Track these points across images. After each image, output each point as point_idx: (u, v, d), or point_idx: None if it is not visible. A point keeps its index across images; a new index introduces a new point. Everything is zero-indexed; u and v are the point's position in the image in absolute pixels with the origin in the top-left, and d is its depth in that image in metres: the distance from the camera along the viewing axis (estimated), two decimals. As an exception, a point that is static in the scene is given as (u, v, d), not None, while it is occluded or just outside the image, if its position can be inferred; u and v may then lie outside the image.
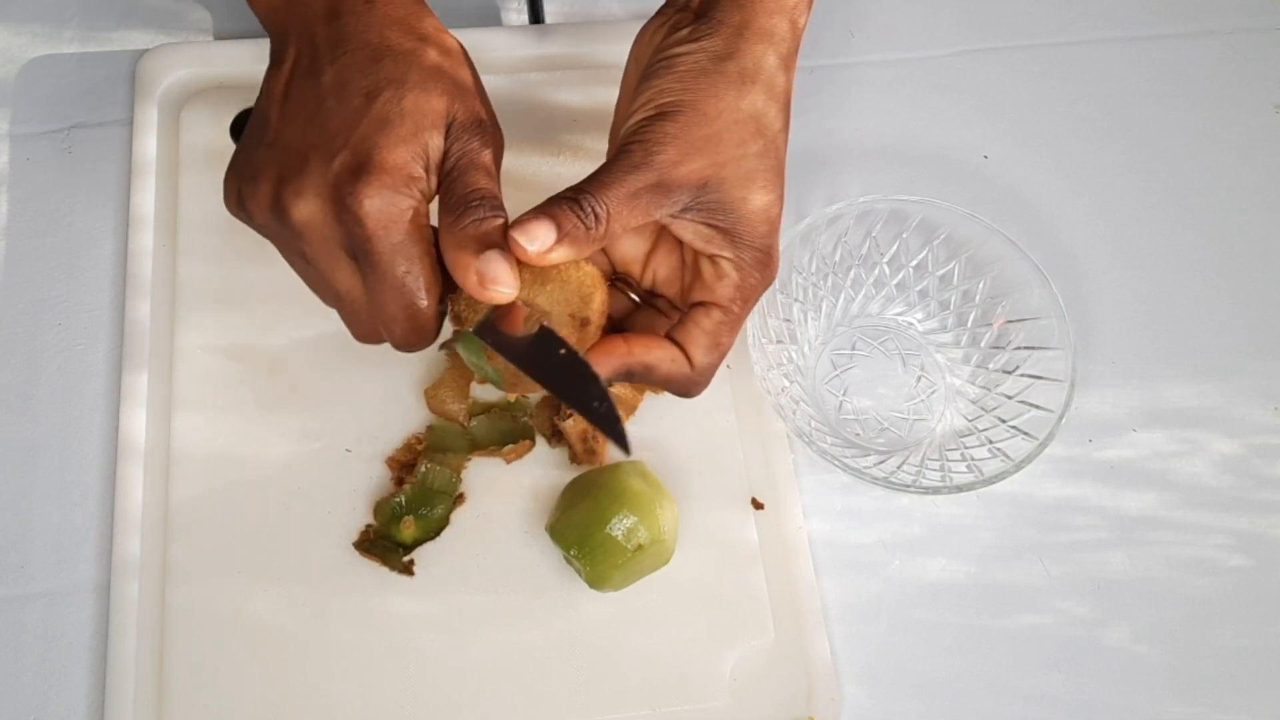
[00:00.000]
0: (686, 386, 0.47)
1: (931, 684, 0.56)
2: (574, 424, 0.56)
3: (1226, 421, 0.64)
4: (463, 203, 0.42)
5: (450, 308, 0.44)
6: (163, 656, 0.52)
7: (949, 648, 0.57)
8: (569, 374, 0.43)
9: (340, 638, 0.53)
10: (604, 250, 0.48)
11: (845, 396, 0.62)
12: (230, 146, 0.60)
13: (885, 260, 0.63)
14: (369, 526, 0.55)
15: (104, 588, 0.54)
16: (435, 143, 0.42)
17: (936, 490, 0.55)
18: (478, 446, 0.57)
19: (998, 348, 0.61)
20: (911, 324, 0.64)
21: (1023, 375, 0.59)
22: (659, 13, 0.48)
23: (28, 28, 0.67)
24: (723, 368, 0.60)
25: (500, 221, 0.42)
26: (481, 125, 0.44)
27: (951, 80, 0.72)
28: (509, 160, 0.63)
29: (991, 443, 0.58)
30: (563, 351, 0.43)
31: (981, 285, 0.62)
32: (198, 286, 0.59)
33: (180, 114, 0.63)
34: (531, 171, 0.64)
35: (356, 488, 0.56)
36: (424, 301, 0.42)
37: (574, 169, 0.64)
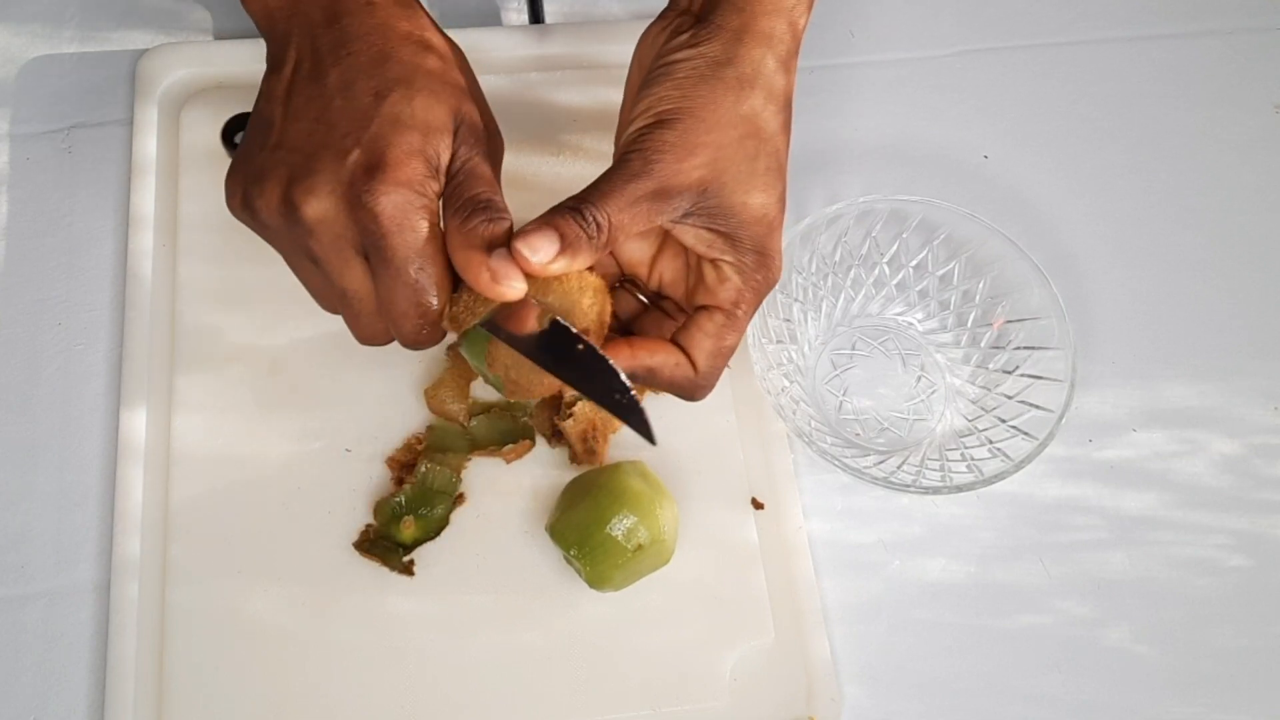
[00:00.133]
0: (690, 390, 0.47)
1: (931, 684, 0.56)
2: (574, 424, 0.56)
3: (1226, 421, 0.64)
4: (469, 205, 0.42)
5: (449, 309, 0.44)
6: (163, 656, 0.52)
7: (949, 648, 0.57)
8: (587, 368, 0.43)
9: (340, 638, 0.53)
10: (611, 253, 0.48)
11: (845, 396, 0.62)
12: (224, 150, 0.61)
13: (885, 260, 0.63)
14: (369, 526, 0.55)
15: (104, 588, 0.54)
16: (444, 146, 0.43)
17: (936, 490, 0.55)
18: (478, 446, 0.57)
19: (998, 348, 0.61)
20: (911, 324, 0.64)
21: (1023, 375, 0.59)
22: (661, 15, 0.48)
23: (28, 28, 0.67)
24: (723, 368, 0.60)
25: (506, 225, 0.43)
26: (484, 131, 0.45)
27: (951, 80, 0.72)
28: (509, 160, 0.63)
29: (991, 443, 0.58)
30: (580, 346, 0.43)
31: (981, 285, 0.62)
32: (198, 286, 0.59)
33: (180, 114, 0.63)
34: (531, 171, 0.64)
35: (356, 488, 0.56)
36: (435, 299, 0.43)
37: (574, 169, 0.64)
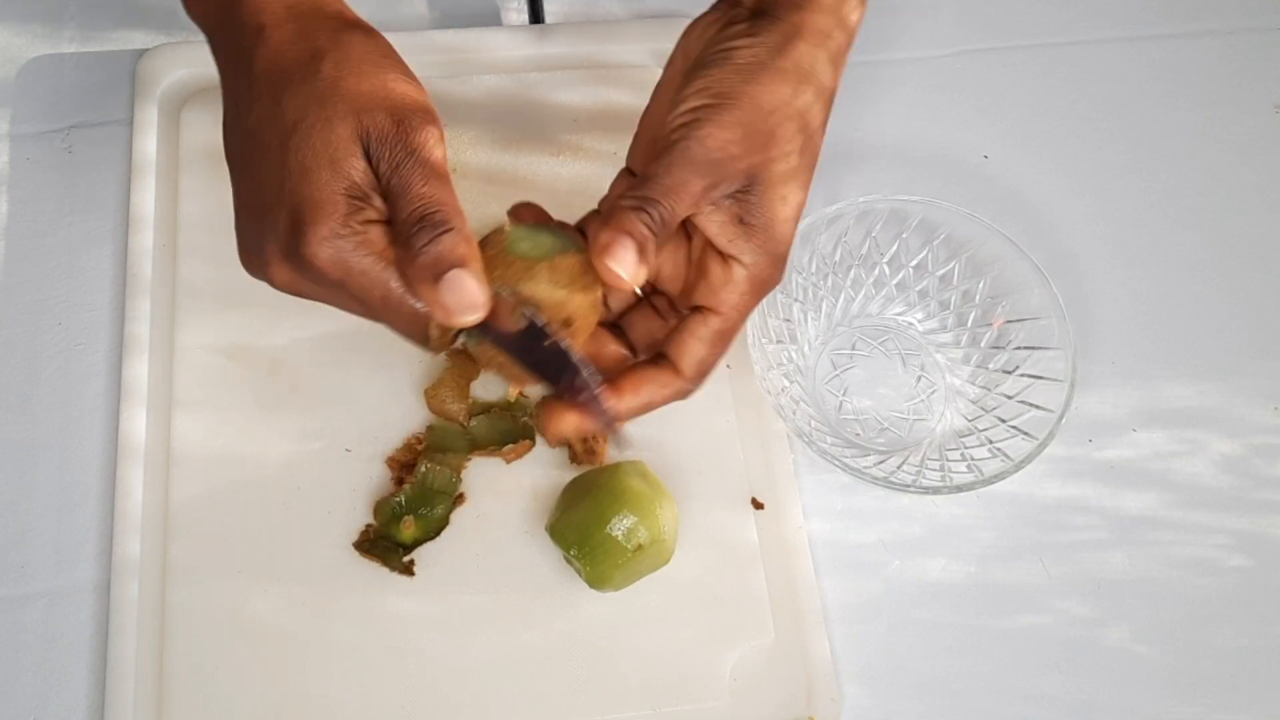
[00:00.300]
0: (679, 399, 0.47)
1: (931, 684, 0.56)
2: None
3: (1226, 421, 0.64)
4: (406, 228, 0.40)
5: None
6: (163, 656, 0.52)
7: (949, 648, 0.57)
8: (556, 365, 0.43)
9: (340, 638, 0.53)
10: None
11: (845, 396, 0.62)
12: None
13: (885, 260, 0.63)
14: (369, 526, 0.55)
15: (104, 588, 0.54)
16: (359, 168, 0.41)
17: (936, 490, 0.55)
18: (478, 446, 0.57)
19: (998, 348, 0.61)
20: (911, 324, 0.64)
21: (1023, 375, 0.59)
22: (713, 8, 0.47)
23: (28, 28, 0.67)
24: (722, 367, 0.60)
25: (449, 236, 0.40)
26: (401, 126, 0.41)
27: (951, 80, 0.72)
28: (509, 160, 0.64)
29: (991, 443, 0.58)
30: (547, 343, 0.43)
31: (981, 285, 0.62)
32: (198, 286, 0.59)
33: (180, 114, 0.63)
34: (531, 171, 0.64)
35: (356, 488, 0.56)
36: (419, 305, 0.42)
37: (574, 169, 0.64)
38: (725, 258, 0.45)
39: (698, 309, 0.45)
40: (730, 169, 0.43)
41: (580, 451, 0.57)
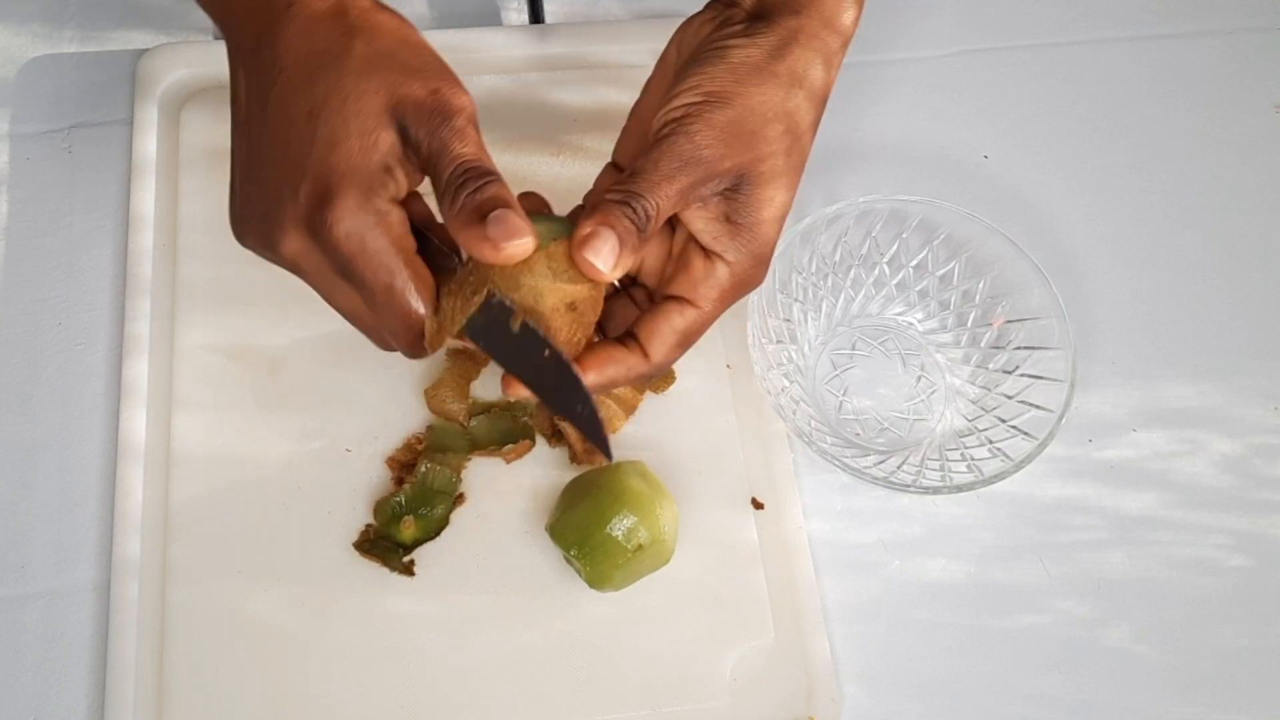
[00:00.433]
0: (642, 381, 0.47)
1: (931, 684, 0.56)
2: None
3: (1226, 421, 0.64)
4: (452, 183, 0.41)
5: (432, 318, 0.43)
6: (163, 656, 0.52)
7: (949, 648, 0.57)
8: (553, 377, 0.43)
9: (340, 638, 0.53)
10: None
11: (845, 396, 0.62)
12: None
13: (885, 260, 0.63)
14: (369, 526, 0.55)
15: (104, 588, 0.54)
16: (389, 141, 0.41)
17: (936, 490, 0.55)
18: (478, 446, 0.57)
19: (998, 348, 0.61)
20: (911, 324, 0.64)
21: (1023, 375, 0.59)
22: (708, 7, 0.48)
23: (28, 28, 0.67)
24: (722, 367, 0.60)
25: (494, 184, 0.41)
26: (436, 96, 0.41)
27: (951, 80, 0.72)
28: (509, 160, 0.64)
29: (991, 443, 0.58)
30: (546, 353, 0.43)
31: (981, 285, 0.62)
32: (198, 286, 0.59)
33: (180, 114, 0.63)
34: (532, 171, 0.64)
35: (356, 488, 0.56)
36: (417, 306, 0.42)
37: (574, 169, 0.64)
38: (709, 254, 0.45)
39: (675, 298, 0.45)
40: (718, 167, 0.43)
41: (580, 451, 0.57)
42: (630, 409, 0.58)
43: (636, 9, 0.71)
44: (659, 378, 0.59)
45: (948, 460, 0.58)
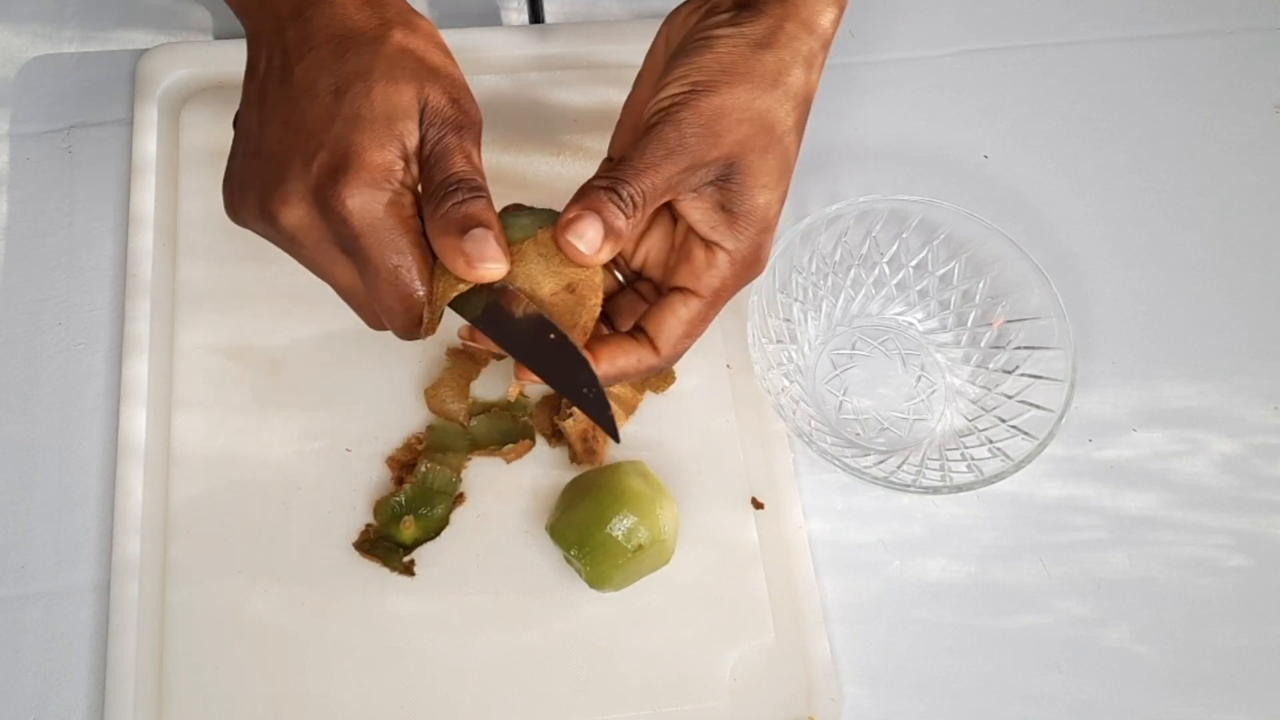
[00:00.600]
0: (652, 375, 0.47)
1: (931, 684, 0.56)
2: (574, 424, 0.56)
3: (1226, 421, 0.64)
4: (442, 188, 0.42)
5: (429, 289, 0.44)
6: (163, 656, 0.52)
7: (949, 648, 0.57)
8: (559, 360, 0.43)
9: (340, 638, 0.53)
10: None
11: (845, 396, 0.62)
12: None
13: (885, 260, 0.63)
14: (369, 526, 0.55)
15: (104, 588, 0.54)
16: (410, 132, 0.42)
17: (936, 490, 0.55)
18: (478, 446, 0.57)
19: (998, 347, 0.61)
20: (911, 324, 0.64)
21: (1023, 375, 0.59)
22: None
23: (28, 28, 0.67)
24: (722, 367, 0.60)
25: (482, 202, 0.42)
26: (456, 106, 0.43)
27: (951, 80, 0.72)
28: (509, 160, 0.64)
29: (991, 442, 0.58)
30: (552, 336, 0.43)
31: (981, 285, 0.62)
32: (198, 286, 0.59)
33: (180, 114, 0.63)
34: (531, 171, 0.64)
35: (356, 488, 0.56)
36: (419, 289, 0.43)
37: (574, 169, 0.64)
38: (708, 244, 0.45)
39: (679, 289, 0.46)
40: (706, 155, 0.43)
41: (580, 451, 0.57)
42: (630, 409, 0.58)
43: (636, 9, 0.71)
44: (659, 377, 0.59)
45: (948, 460, 0.58)
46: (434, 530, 0.55)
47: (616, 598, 0.54)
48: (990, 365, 0.61)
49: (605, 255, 0.42)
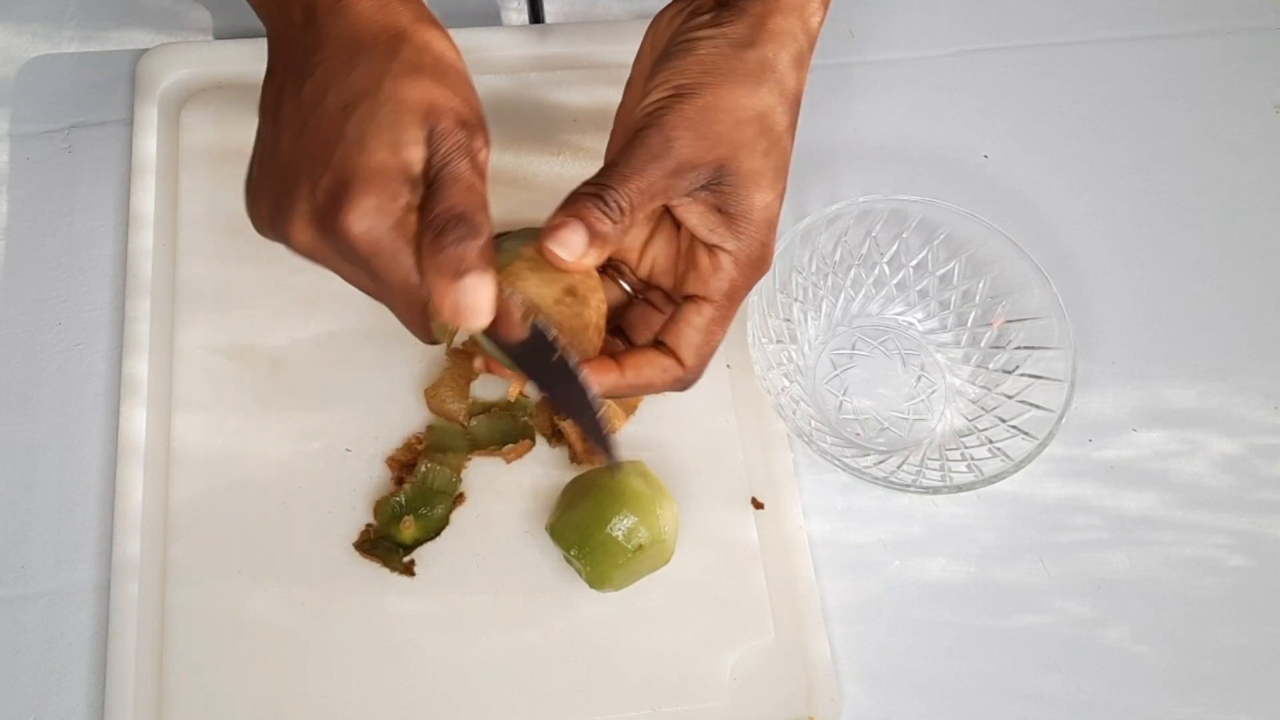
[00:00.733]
0: (680, 387, 0.47)
1: (931, 684, 0.56)
2: (574, 424, 0.56)
3: (1226, 421, 0.64)
4: (440, 221, 0.40)
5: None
6: (163, 656, 0.52)
7: (949, 648, 0.57)
8: (561, 379, 0.43)
9: (340, 638, 0.53)
10: None
11: (845, 396, 0.62)
12: (232, 144, 0.60)
13: (885, 260, 0.63)
14: (369, 526, 0.55)
15: (104, 588, 0.54)
16: (416, 156, 0.41)
17: (936, 490, 0.55)
18: (478, 446, 0.57)
19: (998, 347, 0.61)
20: (911, 324, 0.64)
21: (1023, 375, 0.59)
22: None
23: (28, 28, 0.67)
24: (722, 367, 0.60)
25: (479, 243, 0.40)
26: (464, 126, 0.41)
27: (951, 80, 0.72)
28: (509, 160, 0.64)
29: (991, 442, 0.58)
30: (555, 356, 0.43)
31: (981, 285, 0.62)
32: (198, 286, 0.59)
33: (180, 114, 0.63)
34: (531, 171, 0.64)
35: (356, 488, 0.56)
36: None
37: (574, 169, 0.64)
38: (711, 248, 0.45)
39: (691, 298, 0.46)
40: (695, 159, 0.43)
41: (580, 451, 0.57)
42: (630, 409, 0.58)
43: (636, 9, 0.71)
44: None
45: (948, 460, 0.58)
46: (434, 530, 0.55)
47: (616, 598, 0.54)
48: (990, 365, 0.61)
49: (591, 260, 0.42)
